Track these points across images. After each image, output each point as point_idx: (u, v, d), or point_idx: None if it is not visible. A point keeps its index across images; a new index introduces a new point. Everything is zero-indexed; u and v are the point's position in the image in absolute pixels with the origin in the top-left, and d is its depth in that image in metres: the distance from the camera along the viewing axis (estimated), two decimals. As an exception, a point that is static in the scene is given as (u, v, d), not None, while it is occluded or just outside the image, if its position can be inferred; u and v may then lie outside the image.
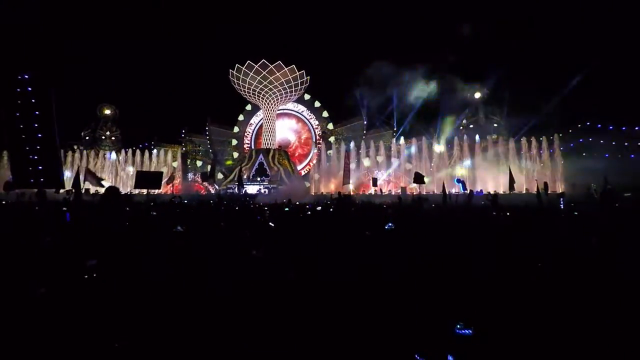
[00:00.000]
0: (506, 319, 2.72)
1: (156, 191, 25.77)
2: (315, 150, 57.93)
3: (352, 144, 50.14)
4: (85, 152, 50.16)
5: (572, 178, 34.21)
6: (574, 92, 43.19)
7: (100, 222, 5.27)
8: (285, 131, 62.85)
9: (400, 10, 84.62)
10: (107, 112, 56.69)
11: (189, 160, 55.60)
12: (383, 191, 39.30)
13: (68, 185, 22.58)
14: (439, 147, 44.77)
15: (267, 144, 55.70)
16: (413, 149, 45.57)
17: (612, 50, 40.16)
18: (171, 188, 43.22)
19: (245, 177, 41.88)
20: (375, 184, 35.81)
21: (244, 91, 54.71)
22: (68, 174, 34.65)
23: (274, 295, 3.14)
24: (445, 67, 48.39)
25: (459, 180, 24.34)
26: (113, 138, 56.24)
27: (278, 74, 52.45)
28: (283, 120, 62.77)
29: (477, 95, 51.86)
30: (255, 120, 62.91)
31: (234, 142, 62.33)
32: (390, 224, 6.28)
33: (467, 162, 41.92)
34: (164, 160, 49.97)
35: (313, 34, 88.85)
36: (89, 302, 3.00)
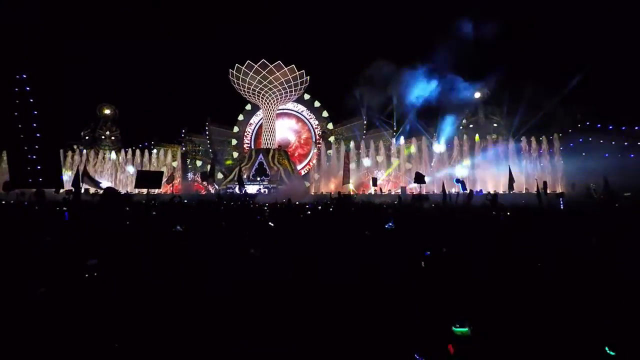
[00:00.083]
0: (506, 318, 2.71)
1: (156, 191, 25.76)
2: (315, 150, 57.92)
3: (352, 144, 50.16)
4: (85, 152, 50.13)
5: (572, 178, 34.22)
6: (574, 92, 43.22)
7: (99, 222, 5.27)
8: (285, 131, 62.84)
9: (400, 10, 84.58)
10: (107, 112, 56.64)
11: (189, 160, 55.57)
12: (383, 191, 39.29)
13: (67, 186, 22.57)
14: (439, 147, 44.75)
15: (267, 143, 55.69)
16: (413, 149, 45.58)
17: (612, 50, 40.17)
18: (171, 188, 43.21)
19: (245, 177, 41.87)
20: (375, 183, 35.81)
21: (244, 91, 54.69)
22: (68, 176, 34.65)
23: (273, 295, 3.14)
24: (445, 66, 48.30)
25: (458, 180, 24.30)
26: (113, 138, 56.18)
27: (278, 73, 52.44)
28: (283, 120, 62.76)
29: (477, 95, 51.82)
30: (255, 120, 62.89)
31: (234, 141, 62.33)
32: (390, 224, 6.28)
33: (467, 162, 41.91)
34: (164, 160, 49.97)
35: (313, 34, 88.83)
36: (89, 301, 2.99)
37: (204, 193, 42.01)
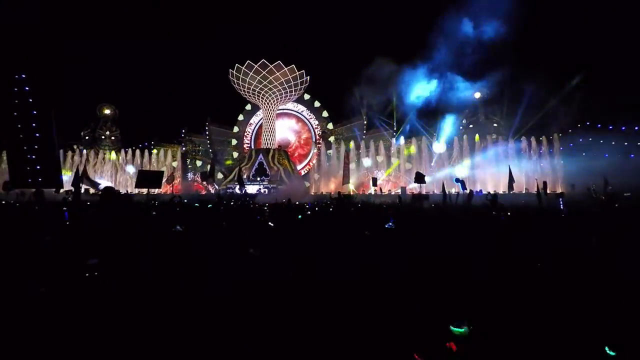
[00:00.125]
0: (505, 318, 2.71)
1: (156, 191, 25.76)
2: (315, 150, 57.93)
3: (352, 144, 50.16)
4: (85, 152, 50.13)
5: (572, 178, 34.22)
6: (574, 92, 43.23)
7: (98, 222, 5.27)
8: (285, 131, 62.84)
9: (400, 9, 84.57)
10: (107, 112, 56.69)
11: (189, 160, 55.58)
12: (383, 191, 39.29)
13: (67, 186, 22.57)
14: (439, 147, 44.76)
15: (267, 143, 55.69)
16: (413, 149, 45.59)
17: (613, 50, 40.16)
18: (171, 188, 43.20)
19: (245, 177, 41.87)
20: (375, 183, 35.81)
21: (244, 91, 54.69)
22: (67, 177, 34.64)
23: (273, 295, 3.14)
24: (445, 66, 48.32)
25: (457, 180, 24.25)
26: (113, 138, 56.23)
27: (278, 73, 52.45)
28: (283, 120, 62.76)
29: (477, 95, 51.83)
30: (255, 120, 62.90)
31: (234, 142, 62.34)
32: (390, 223, 6.28)
33: (467, 162, 41.91)
34: (164, 160, 49.98)
35: (313, 34, 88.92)
36: (88, 301, 2.99)
37: (204, 193, 42.01)
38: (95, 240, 4.78)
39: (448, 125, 46.86)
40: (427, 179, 25.94)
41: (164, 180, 26.31)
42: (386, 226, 6.28)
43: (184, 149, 55.76)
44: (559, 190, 29.70)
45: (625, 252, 4.29)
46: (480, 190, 33.44)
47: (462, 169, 40.18)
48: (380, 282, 3.44)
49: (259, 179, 48.23)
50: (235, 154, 61.03)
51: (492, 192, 24.75)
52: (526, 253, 4.57)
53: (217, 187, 45.55)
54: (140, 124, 61.71)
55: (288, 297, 3.12)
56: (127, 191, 35.05)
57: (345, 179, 40.64)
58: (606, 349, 2.16)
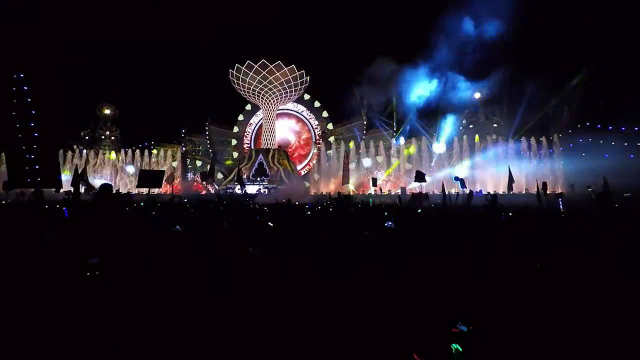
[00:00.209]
0: (505, 318, 2.71)
1: (156, 191, 25.75)
2: (315, 150, 57.94)
3: (351, 144, 50.16)
4: (84, 152, 50.13)
5: (572, 178, 34.24)
6: (573, 92, 43.22)
7: (96, 221, 5.25)
8: (285, 131, 62.84)
9: (400, 9, 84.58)
10: (107, 111, 56.70)
11: (189, 160, 55.60)
12: (383, 191, 39.30)
13: (67, 186, 22.56)
14: (439, 147, 44.77)
15: (267, 143, 55.69)
16: (413, 149, 45.60)
17: (613, 50, 40.16)
18: (170, 188, 43.20)
19: (244, 177, 41.85)
20: (375, 183, 35.80)
21: (244, 91, 54.70)
22: (67, 177, 34.62)
23: (273, 295, 3.14)
24: (446, 66, 48.37)
25: (457, 178, 24.15)
26: (113, 138, 56.25)
27: (278, 73, 52.46)
28: (283, 120, 62.77)
29: (477, 95, 51.86)
30: (255, 120, 62.91)
31: (234, 142, 62.34)
32: (389, 222, 6.28)
33: (467, 162, 41.93)
34: (164, 160, 49.98)
35: (313, 34, 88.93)
36: (88, 301, 2.99)
37: (204, 193, 42.02)
38: (95, 240, 4.77)
39: (448, 125, 46.91)
40: (427, 178, 25.93)
41: (163, 180, 26.30)
42: (386, 225, 6.29)
43: (183, 149, 55.77)
44: (559, 191, 29.72)
45: (624, 253, 4.29)
46: (480, 191, 33.45)
47: (462, 169, 40.19)
48: (379, 282, 3.44)
49: (258, 179, 48.23)
50: (235, 154, 61.04)
51: (491, 193, 24.73)
52: (526, 253, 4.57)
53: (217, 187, 45.56)
54: (140, 124, 61.71)
55: (288, 297, 3.12)
56: (128, 191, 35.05)
57: (345, 179, 40.66)
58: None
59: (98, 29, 75.84)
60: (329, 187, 43.62)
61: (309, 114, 62.84)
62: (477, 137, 44.21)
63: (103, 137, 55.60)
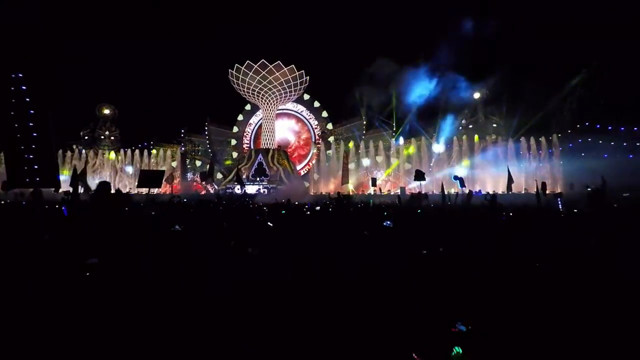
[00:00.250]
0: (504, 318, 2.71)
1: (155, 190, 25.73)
2: (315, 150, 57.93)
3: (351, 144, 50.17)
4: (84, 152, 50.07)
5: (571, 178, 34.27)
6: (573, 92, 43.27)
7: (94, 221, 5.23)
8: (284, 131, 62.83)
9: (400, 9, 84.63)
10: (106, 111, 56.66)
11: (188, 160, 55.57)
12: (382, 191, 39.31)
13: (66, 186, 22.54)
14: (438, 147, 44.80)
15: (267, 143, 55.68)
16: (412, 150, 45.63)
17: (612, 51, 40.23)
18: (170, 188, 43.17)
19: (244, 177, 41.83)
20: (374, 183, 35.81)
21: (244, 91, 54.68)
22: (64, 178, 34.56)
23: (273, 295, 3.13)
24: (445, 66, 48.39)
25: (456, 177, 24.11)
26: (112, 138, 56.23)
27: (277, 73, 52.44)
28: (282, 120, 62.76)
29: (477, 95, 51.90)
30: (254, 120, 62.89)
31: (233, 142, 62.31)
32: (388, 222, 6.28)
33: (466, 162, 41.96)
34: (163, 160, 49.93)
35: (313, 34, 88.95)
36: (87, 301, 2.98)
37: (203, 193, 41.99)
38: (94, 240, 4.76)
39: (447, 125, 46.95)
40: (426, 178, 25.91)
41: (163, 180, 26.27)
42: (384, 224, 6.30)
43: (183, 149, 55.74)
44: (558, 191, 29.75)
45: (624, 252, 4.30)
46: (480, 191, 33.47)
47: (461, 169, 40.22)
48: (379, 282, 3.44)
49: (258, 179, 48.21)
50: (235, 154, 61.02)
51: (491, 193, 24.75)
52: (525, 253, 4.58)
53: (216, 187, 45.53)
54: (140, 124, 61.75)
55: (287, 297, 3.11)
56: (128, 191, 35.02)
57: (345, 179, 40.65)
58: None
59: (98, 29, 75.81)
60: (329, 187, 43.62)
61: (309, 114, 62.84)
62: (476, 137, 44.24)
63: (102, 137, 55.58)
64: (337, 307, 2.86)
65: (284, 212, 10.42)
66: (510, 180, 30.03)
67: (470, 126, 50.85)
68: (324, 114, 61.79)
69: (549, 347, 2.35)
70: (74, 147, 50.72)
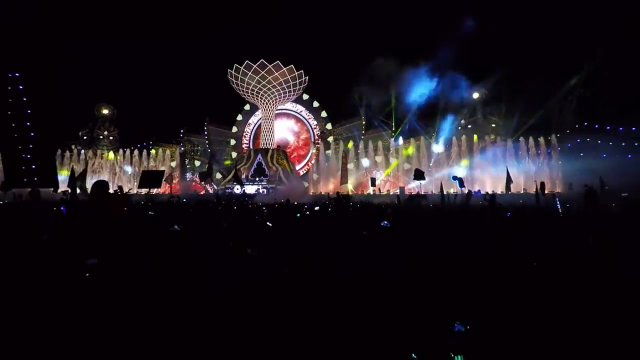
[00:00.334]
0: (504, 317, 2.72)
1: (154, 190, 25.69)
2: (314, 150, 57.94)
3: (350, 144, 50.18)
4: (83, 152, 49.97)
5: (570, 178, 34.34)
6: (572, 92, 43.35)
7: (91, 221, 5.21)
8: (283, 131, 62.83)
9: (399, 9, 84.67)
10: (105, 111, 56.55)
11: (188, 160, 55.52)
12: (381, 191, 39.33)
13: (63, 186, 22.52)
14: (438, 147, 44.84)
15: (266, 143, 55.67)
16: (412, 150, 45.66)
17: (612, 51, 40.30)
18: (169, 188, 43.11)
19: (243, 177, 41.80)
20: (373, 183, 35.83)
21: (243, 91, 54.66)
22: (62, 178, 34.47)
23: (272, 295, 3.13)
24: (444, 66, 48.39)
25: (455, 178, 24.11)
26: (111, 138, 56.12)
27: (277, 73, 52.45)
28: (282, 120, 62.76)
29: (476, 95, 51.95)
30: (253, 120, 62.89)
31: (233, 142, 62.29)
32: (385, 222, 6.29)
33: (465, 162, 42.00)
34: (163, 160, 49.86)
35: (312, 34, 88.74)
36: (87, 301, 2.98)
37: (202, 193, 41.97)
38: (93, 240, 4.75)
39: (447, 125, 46.98)
40: (425, 177, 25.93)
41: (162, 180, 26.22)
42: (382, 224, 6.30)
43: (182, 149, 55.67)
44: (557, 190, 29.83)
45: (623, 253, 4.30)
46: (479, 191, 33.52)
47: (460, 170, 40.25)
48: (378, 282, 3.44)
49: (257, 179, 48.18)
50: (234, 154, 61.00)
51: (490, 193, 24.78)
52: (524, 252, 4.58)
53: (215, 187, 45.50)
54: (139, 124, 61.46)
55: (287, 297, 3.11)
56: (128, 190, 34.96)
57: (344, 179, 40.66)
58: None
59: (97, 29, 75.65)
60: (328, 187, 43.62)
61: (308, 114, 62.85)
62: (475, 137, 44.28)
63: (101, 137, 55.46)
64: (337, 307, 2.86)
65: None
66: (509, 180, 30.09)
67: (469, 126, 50.88)
68: (323, 114, 61.81)
69: (547, 346, 2.35)
70: (73, 147, 50.62)
